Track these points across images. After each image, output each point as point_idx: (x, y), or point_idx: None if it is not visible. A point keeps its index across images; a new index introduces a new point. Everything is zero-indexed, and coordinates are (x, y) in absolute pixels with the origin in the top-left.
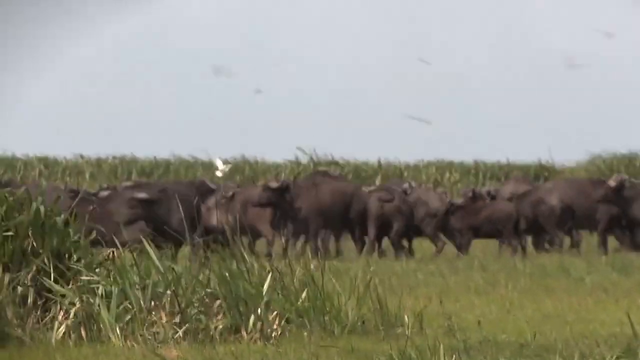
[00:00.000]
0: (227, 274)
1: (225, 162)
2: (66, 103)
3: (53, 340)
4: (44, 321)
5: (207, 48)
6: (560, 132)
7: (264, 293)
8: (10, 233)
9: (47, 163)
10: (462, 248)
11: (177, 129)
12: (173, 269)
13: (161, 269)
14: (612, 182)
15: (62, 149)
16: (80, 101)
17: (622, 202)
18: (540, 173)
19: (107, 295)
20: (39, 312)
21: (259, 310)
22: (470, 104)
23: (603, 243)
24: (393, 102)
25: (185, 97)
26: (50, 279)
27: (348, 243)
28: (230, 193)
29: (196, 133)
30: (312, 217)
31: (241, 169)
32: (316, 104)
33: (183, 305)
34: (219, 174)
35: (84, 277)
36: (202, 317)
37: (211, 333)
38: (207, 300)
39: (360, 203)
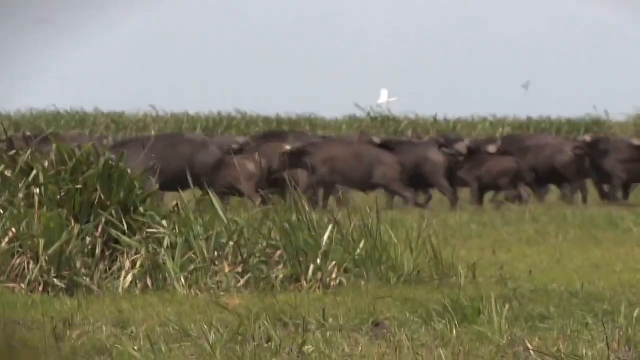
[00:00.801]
0: (287, 226)
1: (390, 95)
2: (133, 62)
3: (120, 289)
4: (111, 271)
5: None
6: (608, 88)
7: (323, 244)
8: (79, 186)
9: (115, 118)
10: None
11: (238, 85)
12: (236, 221)
13: (225, 220)
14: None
15: (129, 105)
16: (148, 59)
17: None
18: (591, 128)
19: (172, 246)
20: (106, 262)
21: (318, 261)
22: (521, 62)
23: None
24: (448, 58)
25: (248, 56)
26: (117, 231)
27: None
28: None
29: (256, 89)
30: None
31: (300, 124)
32: (372, 62)
33: (245, 255)
34: (382, 102)
35: (150, 229)
36: (263, 267)
37: (272, 282)
38: (268, 250)
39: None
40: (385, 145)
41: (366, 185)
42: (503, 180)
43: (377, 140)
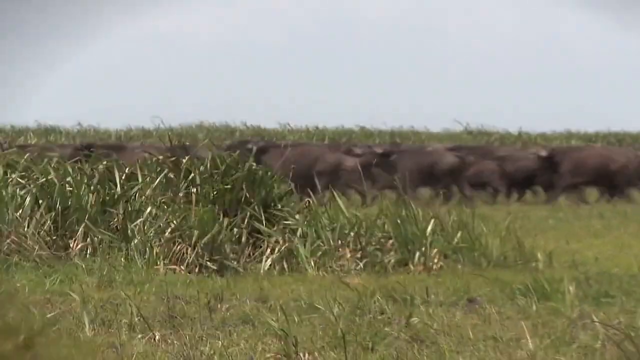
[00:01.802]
0: (398, 219)
1: None
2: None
3: (261, 271)
4: (254, 255)
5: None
6: None
7: (427, 234)
8: (228, 186)
9: (258, 131)
10: None
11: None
12: (356, 215)
13: (347, 214)
14: None
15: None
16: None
17: None
18: None
19: (304, 235)
20: (250, 249)
21: (423, 248)
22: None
23: None
24: (530, 74)
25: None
26: (259, 223)
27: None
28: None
29: (368, 104)
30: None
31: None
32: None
33: (363, 243)
34: None
35: (286, 222)
36: (378, 253)
37: (385, 265)
38: (382, 240)
39: None
40: None
41: None
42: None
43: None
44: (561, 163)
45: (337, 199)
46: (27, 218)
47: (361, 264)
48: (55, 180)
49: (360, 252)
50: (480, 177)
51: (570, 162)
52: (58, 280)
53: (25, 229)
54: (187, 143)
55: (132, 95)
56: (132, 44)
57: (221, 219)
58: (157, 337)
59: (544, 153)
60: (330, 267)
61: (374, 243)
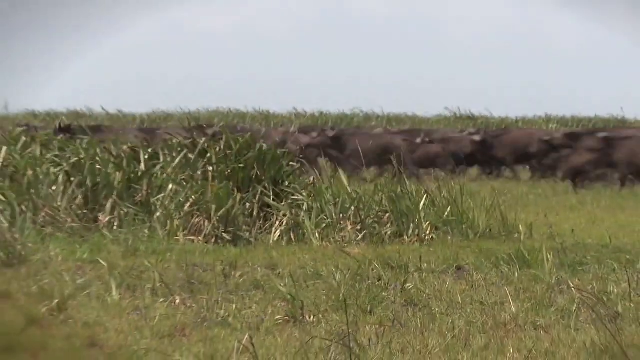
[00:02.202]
0: (394, 195)
1: None
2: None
3: (271, 241)
4: (264, 228)
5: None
6: None
7: (420, 208)
8: (241, 165)
9: (261, 117)
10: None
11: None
12: (357, 191)
13: (349, 190)
14: None
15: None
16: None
17: None
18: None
19: (309, 210)
20: (261, 221)
21: (416, 221)
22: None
23: None
24: (515, 67)
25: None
26: (269, 198)
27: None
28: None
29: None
30: None
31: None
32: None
33: (363, 217)
34: None
35: (293, 197)
36: (376, 225)
37: (382, 237)
38: (379, 213)
39: None
40: None
41: None
42: None
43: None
44: (494, 145)
45: (342, 176)
46: (60, 193)
47: (360, 236)
48: (86, 158)
49: (360, 224)
50: (427, 157)
51: (500, 144)
52: (88, 249)
53: (59, 203)
54: (204, 125)
55: (156, 81)
56: (156, 36)
57: (235, 195)
58: (177, 301)
59: (477, 138)
60: (332, 238)
61: (372, 216)
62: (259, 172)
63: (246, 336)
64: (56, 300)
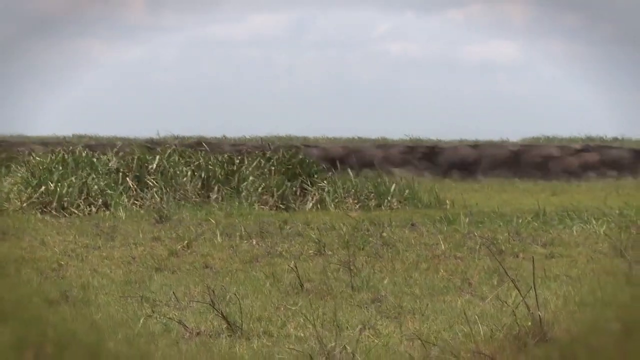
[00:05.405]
0: (376, 183)
1: None
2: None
3: (307, 209)
4: (303, 201)
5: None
6: None
7: (391, 191)
8: (290, 166)
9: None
10: None
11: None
12: (356, 181)
13: (352, 180)
14: None
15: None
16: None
17: None
18: None
19: (329, 192)
20: (300, 198)
21: (389, 197)
22: None
23: None
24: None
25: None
26: (306, 185)
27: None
28: None
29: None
30: None
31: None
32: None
33: (359, 195)
34: None
35: (319, 184)
36: (366, 200)
37: (370, 207)
38: (368, 193)
39: None
40: None
41: None
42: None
43: None
44: (415, 151)
45: (349, 172)
46: (189, 181)
47: (357, 206)
48: (203, 162)
49: (357, 200)
50: (364, 160)
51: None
52: (204, 213)
53: (187, 187)
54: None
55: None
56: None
57: (286, 183)
58: (254, 242)
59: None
60: (342, 207)
61: (364, 196)
62: (300, 170)
63: (292, 262)
64: (186, 242)
